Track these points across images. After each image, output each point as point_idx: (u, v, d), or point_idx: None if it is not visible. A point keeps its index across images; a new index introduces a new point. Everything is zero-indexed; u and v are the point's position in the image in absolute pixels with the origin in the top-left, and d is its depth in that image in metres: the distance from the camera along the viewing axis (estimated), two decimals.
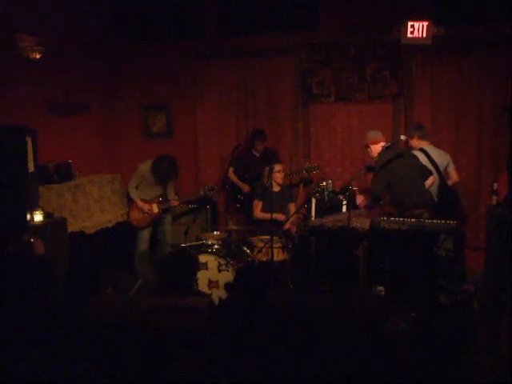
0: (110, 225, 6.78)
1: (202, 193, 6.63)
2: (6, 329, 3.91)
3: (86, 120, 7.37)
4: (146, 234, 6.65)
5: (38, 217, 5.19)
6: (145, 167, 6.54)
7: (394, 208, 5.81)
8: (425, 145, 6.40)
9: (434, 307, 4.99)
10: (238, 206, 7.46)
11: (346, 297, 5.28)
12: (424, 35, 6.59)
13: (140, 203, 6.54)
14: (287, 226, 6.52)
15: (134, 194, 6.58)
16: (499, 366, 3.97)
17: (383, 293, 5.51)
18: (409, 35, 6.61)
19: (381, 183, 5.70)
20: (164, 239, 6.76)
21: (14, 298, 4.19)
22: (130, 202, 6.68)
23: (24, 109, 6.06)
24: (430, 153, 6.32)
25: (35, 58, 6.20)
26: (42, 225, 5.17)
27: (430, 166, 6.23)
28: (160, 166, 6.41)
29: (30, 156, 5.21)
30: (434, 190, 6.22)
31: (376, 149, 5.88)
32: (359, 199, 6.07)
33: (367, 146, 6.00)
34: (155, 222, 6.69)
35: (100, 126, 7.80)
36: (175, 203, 6.63)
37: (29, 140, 5.17)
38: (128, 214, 6.68)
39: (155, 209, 6.57)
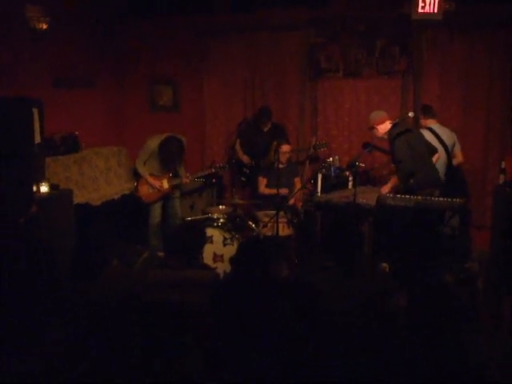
0: (116, 197, 6.77)
1: (213, 170, 6.59)
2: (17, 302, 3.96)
3: (92, 93, 7.34)
4: (157, 209, 6.63)
5: (44, 188, 5.18)
6: (153, 143, 6.46)
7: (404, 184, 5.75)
8: (431, 123, 6.37)
9: (438, 285, 5.00)
10: (243, 179, 7.48)
11: (350, 273, 5.32)
12: (435, 10, 6.49)
13: (150, 179, 6.49)
14: (292, 201, 6.51)
15: (142, 170, 6.53)
16: (501, 344, 4.00)
17: (387, 269, 5.54)
18: (420, 10, 6.51)
19: (407, 157, 5.60)
20: (175, 213, 6.73)
21: (25, 271, 4.23)
22: (139, 176, 6.61)
23: (30, 80, 6.02)
24: (437, 131, 6.30)
25: (42, 28, 6.14)
26: (48, 196, 5.17)
27: (438, 144, 6.21)
28: (166, 149, 6.35)
29: (37, 127, 5.17)
30: (441, 168, 6.20)
31: (383, 128, 5.79)
32: (387, 187, 5.86)
33: (372, 128, 5.90)
34: (165, 197, 6.66)
35: (106, 98, 7.76)
36: (186, 181, 6.56)
37: (35, 111, 5.13)
38: (136, 188, 6.61)
39: (165, 184, 6.53)
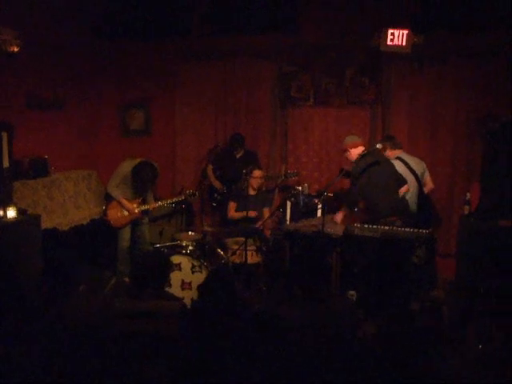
0: (85, 222, 6.73)
1: (183, 197, 6.60)
2: None
3: (63, 115, 7.30)
4: (126, 234, 6.61)
5: (11, 213, 5.12)
6: (126, 167, 6.46)
7: (367, 215, 5.86)
8: (399, 153, 6.47)
9: (404, 313, 5.06)
10: (214, 204, 7.51)
11: (317, 302, 5.33)
12: (404, 43, 6.65)
13: (124, 201, 6.46)
14: (260, 224, 6.55)
15: (116, 192, 6.49)
16: (467, 369, 4.05)
17: (355, 298, 5.57)
18: (389, 43, 6.67)
19: (357, 189, 5.75)
20: (143, 239, 6.73)
21: None
22: (108, 200, 6.58)
23: (0, 102, 5.99)
24: (407, 160, 6.40)
25: (13, 51, 6.13)
26: (15, 221, 5.12)
27: (408, 173, 6.31)
28: (140, 174, 6.34)
29: (5, 151, 5.13)
30: (413, 198, 6.31)
31: (355, 152, 5.88)
32: (339, 217, 6.01)
33: (345, 151, 5.99)
34: (133, 222, 6.65)
35: (78, 121, 7.72)
36: (153, 206, 6.58)
37: (4, 135, 5.10)
38: (105, 212, 6.57)
39: (136, 209, 6.52)
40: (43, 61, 6.76)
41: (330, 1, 7.29)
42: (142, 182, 6.40)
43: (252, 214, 6.50)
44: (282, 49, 7.54)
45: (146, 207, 6.55)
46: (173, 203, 6.71)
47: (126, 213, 6.50)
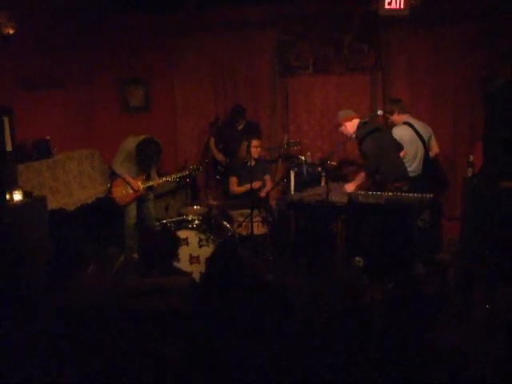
0: (90, 201, 6.75)
1: (187, 172, 6.61)
2: None
3: (62, 95, 7.27)
4: (132, 210, 6.65)
5: (17, 196, 5.15)
6: (129, 144, 6.48)
7: (373, 180, 5.87)
8: (407, 118, 6.46)
9: (410, 277, 5.11)
10: (218, 177, 7.53)
11: (324, 269, 5.40)
12: (401, 6, 6.57)
13: (129, 179, 6.50)
14: (263, 193, 6.57)
15: (121, 170, 6.52)
16: (472, 333, 4.11)
17: (361, 263, 5.63)
18: (386, 6, 6.58)
19: (373, 154, 5.73)
20: (149, 215, 6.77)
21: None
22: (113, 178, 6.61)
23: None
24: (414, 125, 6.40)
25: (8, 33, 6.10)
26: (21, 204, 5.15)
27: (416, 138, 6.32)
28: (144, 151, 6.37)
29: (8, 135, 5.14)
30: (420, 162, 6.32)
31: (350, 125, 5.89)
32: (350, 187, 5.97)
33: (340, 125, 6.01)
34: (139, 199, 6.68)
35: (77, 100, 7.69)
36: (157, 182, 6.60)
37: (5, 119, 5.10)
38: (110, 190, 6.61)
39: (140, 185, 6.55)
40: (39, 41, 6.71)
41: None
42: (147, 159, 6.42)
43: (256, 184, 6.54)
44: (279, 18, 7.47)
45: (151, 183, 6.58)
46: (177, 178, 6.73)
47: (130, 190, 6.54)
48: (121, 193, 6.56)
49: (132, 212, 6.67)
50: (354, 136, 5.88)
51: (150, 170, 6.64)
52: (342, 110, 6.15)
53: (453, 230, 6.57)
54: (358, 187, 5.88)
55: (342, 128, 5.99)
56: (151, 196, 6.81)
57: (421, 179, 6.20)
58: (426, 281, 5.22)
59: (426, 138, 6.42)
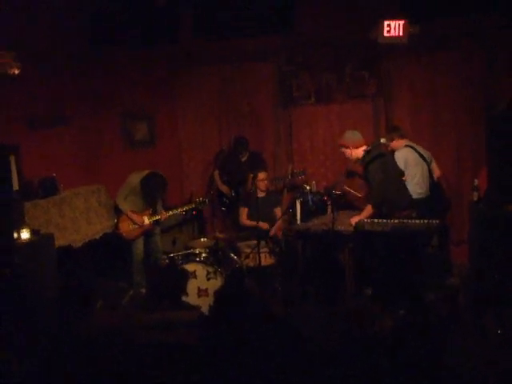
0: (98, 236, 6.77)
1: (193, 205, 6.65)
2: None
3: (67, 132, 7.38)
4: (139, 245, 6.67)
5: (25, 234, 5.18)
6: (135, 179, 6.53)
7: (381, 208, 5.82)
8: (406, 142, 6.51)
9: (420, 304, 5.08)
10: (223, 209, 7.55)
11: (333, 299, 5.38)
12: (400, 34, 6.66)
13: (131, 215, 6.54)
14: (272, 232, 6.56)
15: (123, 206, 6.57)
16: (484, 357, 4.07)
17: (370, 293, 5.61)
18: (385, 34, 6.67)
19: (380, 179, 5.63)
20: (157, 249, 6.79)
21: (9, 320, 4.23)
22: (119, 213, 6.64)
23: (4, 125, 6.06)
24: (416, 148, 6.44)
25: (13, 73, 6.19)
26: (29, 242, 5.17)
27: (420, 160, 6.36)
28: (149, 185, 6.42)
29: (14, 174, 5.19)
30: (426, 183, 6.36)
31: (356, 152, 5.78)
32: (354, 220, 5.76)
33: (346, 147, 5.82)
34: (146, 233, 6.70)
35: (82, 137, 7.79)
36: (164, 216, 6.62)
37: (12, 159, 5.16)
38: (117, 225, 6.63)
39: (146, 221, 6.58)
40: (43, 80, 6.82)
41: None
42: (152, 192, 6.47)
43: (263, 225, 6.51)
44: (280, 49, 7.58)
45: (157, 218, 6.61)
46: (183, 211, 6.75)
47: (137, 225, 6.57)
48: (127, 227, 6.58)
49: (139, 247, 6.68)
50: (357, 161, 5.84)
51: (156, 203, 6.67)
52: (350, 132, 5.94)
53: (462, 254, 6.53)
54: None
55: (347, 151, 5.82)
56: (158, 230, 6.83)
57: (429, 200, 6.21)
58: (436, 306, 5.20)
59: (428, 160, 6.45)
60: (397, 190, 5.77)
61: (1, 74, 6.06)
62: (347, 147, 5.82)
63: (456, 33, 7.10)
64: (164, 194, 6.77)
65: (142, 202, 6.61)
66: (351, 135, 5.88)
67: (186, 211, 6.76)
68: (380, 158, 5.74)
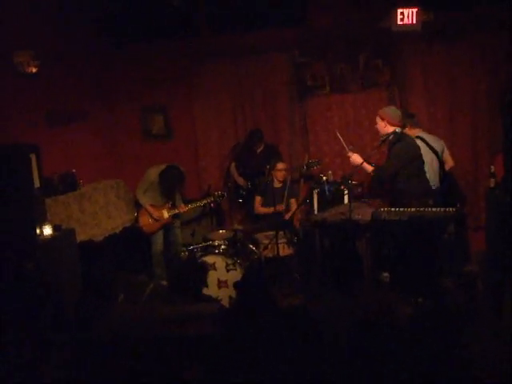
0: (118, 230, 6.87)
1: (211, 198, 6.74)
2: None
3: (85, 127, 7.44)
4: (159, 238, 6.79)
5: (47, 230, 5.26)
6: (153, 173, 6.64)
7: (399, 195, 5.85)
8: (418, 132, 6.49)
9: (438, 291, 5.11)
10: (240, 201, 7.61)
11: (351, 288, 5.42)
12: (414, 22, 6.65)
13: (150, 209, 6.65)
14: (289, 215, 6.61)
15: (143, 199, 6.70)
16: (502, 345, 4.10)
17: (388, 279, 5.64)
18: (399, 22, 6.67)
19: (406, 157, 5.70)
20: (177, 242, 6.91)
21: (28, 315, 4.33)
22: (139, 207, 6.78)
23: (24, 123, 6.14)
24: (427, 139, 6.42)
25: (32, 72, 6.28)
26: (51, 238, 5.26)
27: (429, 151, 6.33)
28: (167, 178, 6.54)
29: (35, 172, 5.28)
30: (435, 175, 6.33)
31: (388, 129, 5.75)
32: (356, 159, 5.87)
33: (382, 120, 5.81)
34: (166, 227, 6.82)
35: (99, 131, 7.87)
36: (183, 209, 6.74)
37: (33, 157, 5.23)
38: (137, 219, 6.77)
39: (165, 214, 6.70)
40: (61, 75, 6.88)
41: None
42: (170, 186, 6.58)
43: (280, 208, 6.59)
44: (294, 40, 7.59)
45: (176, 211, 6.70)
46: (202, 205, 6.83)
47: (156, 219, 6.67)
48: (147, 221, 6.69)
49: (159, 240, 6.79)
50: (385, 138, 5.80)
51: (175, 196, 6.76)
52: (392, 108, 5.98)
53: (480, 240, 6.53)
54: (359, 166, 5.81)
55: (382, 123, 5.82)
56: (178, 223, 6.93)
57: (439, 193, 6.21)
58: (454, 293, 5.22)
59: (439, 152, 6.43)
60: (416, 176, 5.77)
61: (19, 73, 6.16)
62: (383, 119, 5.81)
63: (471, 21, 7.07)
64: (182, 187, 6.86)
65: (161, 196, 6.71)
66: (392, 111, 5.89)
67: (204, 205, 6.84)
68: (406, 140, 5.78)
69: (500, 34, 6.94)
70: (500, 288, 4.95)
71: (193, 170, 7.93)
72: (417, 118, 6.69)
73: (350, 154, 5.93)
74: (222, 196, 6.72)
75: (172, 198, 6.73)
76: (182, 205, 6.75)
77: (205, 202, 6.76)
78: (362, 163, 5.76)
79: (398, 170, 5.69)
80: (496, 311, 4.77)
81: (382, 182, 6.05)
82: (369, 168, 5.83)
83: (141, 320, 3.90)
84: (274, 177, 6.73)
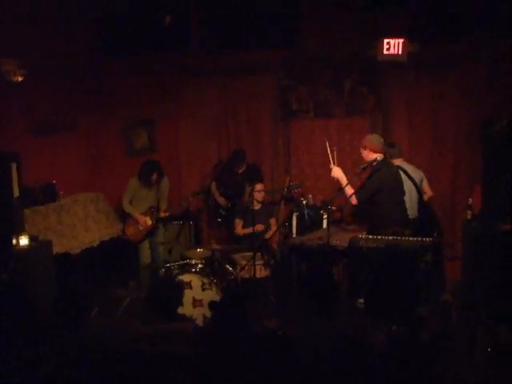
0: (95, 244, 6.84)
1: (190, 198, 6.81)
2: None
3: (68, 139, 7.43)
4: (146, 250, 7.00)
5: (24, 241, 5.24)
6: (135, 181, 6.90)
7: (375, 222, 5.88)
8: (399, 162, 6.54)
9: (413, 319, 5.13)
10: (219, 220, 7.61)
11: (326, 315, 5.43)
12: (400, 52, 6.75)
13: (137, 216, 6.86)
14: (268, 235, 6.62)
15: (129, 208, 6.92)
16: (476, 373, 4.13)
17: (363, 305, 5.66)
18: (385, 52, 6.78)
19: (368, 193, 5.72)
20: (158, 258, 7.02)
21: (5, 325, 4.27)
22: (126, 217, 6.98)
23: (7, 131, 6.13)
24: (407, 169, 6.48)
25: (17, 81, 6.28)
26: (27, 248, 5.24)
27: (407, 180, 6.38)
28: (143, 169, 6.84)
29: (15, 181, 5.25)
30: (414, 205, 6.38)
31: (371, 157, 5.78)
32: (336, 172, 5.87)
33: (364, 148, 5.85)
34: (151, 239, 7.01)
35: (83, 144, 7.85)
36: (165, 214, 6.93)
37: (13, 166, 5.22)
38: (123, 230, 6.99)
39: (149, 221, 6.89)
40: (45, 87, 6.88)
41: (326, 13, 7.39)
42: (147, 171, 6.85)
43: (259, 228, 6.62)
44: (280, 63, 7.67)
45: (158, 216, 6.89)
46: (180, 212, 7.05)
47: (141, 227, 6.86)
48: (134, 230, 6.90)
49: (146, 252, 6.98)
50: (367, 165, 5.82)
51: (159, 193, 6.95)
52: (374, 136, 6.02)
53: (455, 270, 6.59)
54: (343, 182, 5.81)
55: (364, 152, 5.86)
56: (160, 239, 7.03)
57: (416, 222, 6.26)
58: (428, 322, 5.25)
59: (418, 182, 6.49)
60: (395, 205, 5.82)
61: (5, 81, 6.15)
62: (365, 148, 5.86)
63: (455, 52, 7.20)
64: (161, 176, 6.99)
65: (144, 202, 6.91)
66: (373, 139, 5.93)
67: (183, 211, 6.99)
68: (389, 168, 5.82)
69: (483, 67, 7.08)
70: (474, 318, 5.00)
71: (175, 186, 7.90)
72: (397, 147, 6.74)
73: (331, 166, 5.94)
74: (198, 194, 7.05)
75: (156, 200, 6.92)
76: (164, 209, 6.96)
77: (185, 204, 6.89)
78: (342, 178, 5.80)
79: (373, 195, 5.72)
80: (469, 341, 4.81)
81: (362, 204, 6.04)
82: (348, 190, 5.83)
83: (112, 335, 3.87)
84: (254, 198, 6.75)
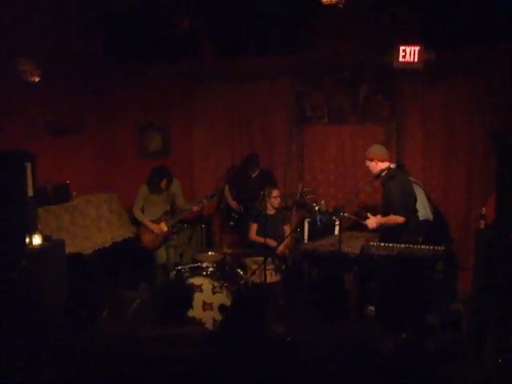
0: (107, 245, 6.86)
1: (204, 201, 6.85)
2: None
3: (82, 140, 7.47)
4: (162, 252, 7.01)
5: (37, 240, 5.26)
6: (145, 188, 6.89)
7: (389, 229, 5.84)
8: None
9: (423, 328, 5.10)
10: (231, 224, 7.61)
11: (336, 322, 5.41)
12: (415, 60, 6.73)
13: (149, 224, 6.85)
14: (280, 250, 6.58)
15: (140, 216, 6.92)
16: (486, 383, 4.10)
17: (373, 312, 5.64)
18: (401, 59, 6.75)
19: (404, 205, 5.64)
20: (170, 260, 7.05)
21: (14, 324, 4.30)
22: (138, 226, 6.98)
23: (22, 131, 6.17)
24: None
25: (34, 81, 6.32)
26: (40, 248, 5.26)
27: (418, 188, 6.38)
28: (152, 176, 6.84)
29: (30, 181, 5.28)
30: (426, 209, 6.38)
31: (380, 166, 5.77)
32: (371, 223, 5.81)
33: (371, 160, 5.84)
34: (167, 239, 7.01)
35: (97, 145, 7.90)
36: (181, 217, 6.95)
37: (28, 165, 5.24)
38: (140, 238, 6.95)
39: (164, 227, 6.87)
40: (62, 88, 6.92)
41: (342, 20, 7.37)
42: (155, 177, 6.86)
43: (271, 243, 6.55)
44: (295, 69, 7.67)
45: (174, 221, 6.90)
46: (198, 210, 7.09)
47: (157, 233, 6.87)
48: (150, 238, 6.90)
49: (162, 254, 7.01)
50: (378, 175, 5.82)
51: (173, 196, 6.99)
52: (377, 146, 5.99)
53: (466, 280, 6.55)
54: (380, 225, 5.79)
55: (372, 164, 5.85)
56: (173, 243, 7.06)
57: (431, 226, 6.24)
58: (438, 332, 5.22)
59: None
60: (409, 212, 5.80)
61: (22, 82, 6.20)
62: (372, 160, 5.85)
63: (473, 60, 7.15)
64: (170, 181, 7.00)
65: (157, 208, 6.91)
66: (377, 149, 5.92)
67: (200, 210, 7.10)
68: (400, 176, 5.81)
69: (500, 75, 7.03)
70: (483, 330, 4.97)
71: (188, 189, 7.94)
72: (404, 168, 6.72)
73: (365, 222, 5.86)
74: (214, 195, 6.92)
75: (170, 205, 6.96)
76: (187, 206, 7.00)
77: (200, 204, 6.92)
78: (381, 221, 5.76)
79: (407, 200, 5.68)
80: (478, 352, 4.78)
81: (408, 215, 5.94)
82: (393, 219, 5.72)
83: (123, 337, 3.87)
84: (269, 203, 6.74)
